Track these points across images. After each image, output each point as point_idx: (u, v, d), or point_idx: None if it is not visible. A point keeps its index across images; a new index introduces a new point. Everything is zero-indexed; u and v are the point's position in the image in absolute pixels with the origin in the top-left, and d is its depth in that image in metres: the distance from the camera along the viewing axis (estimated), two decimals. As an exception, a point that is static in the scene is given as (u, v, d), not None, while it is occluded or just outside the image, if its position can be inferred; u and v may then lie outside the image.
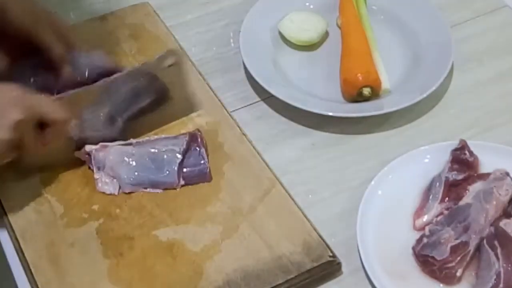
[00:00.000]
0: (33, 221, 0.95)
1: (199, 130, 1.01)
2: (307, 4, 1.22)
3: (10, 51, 0.98)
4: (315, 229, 0.93)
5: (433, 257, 0.88)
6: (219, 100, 1.08)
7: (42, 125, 0.90)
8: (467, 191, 0.94)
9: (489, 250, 0.87)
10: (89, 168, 0.98)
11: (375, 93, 1.08)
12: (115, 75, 0.99)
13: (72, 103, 0.94)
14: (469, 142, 0.99)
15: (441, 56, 1.11)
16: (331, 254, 0.90)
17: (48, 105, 0.90)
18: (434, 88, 1.07)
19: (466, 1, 1.24)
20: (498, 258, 0.86)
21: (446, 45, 1.12)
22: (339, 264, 0.90)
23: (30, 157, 0.93)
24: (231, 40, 1.19)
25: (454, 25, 1.20)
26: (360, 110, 1.06)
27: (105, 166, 0.96)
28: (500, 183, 0.92)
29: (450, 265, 0.87)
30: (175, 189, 0.97)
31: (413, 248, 0.90)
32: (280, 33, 1.18)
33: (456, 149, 0.98)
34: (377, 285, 0.87)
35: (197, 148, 0.99)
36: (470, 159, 0.97)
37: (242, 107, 1.09)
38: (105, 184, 0.97)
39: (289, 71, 1.14)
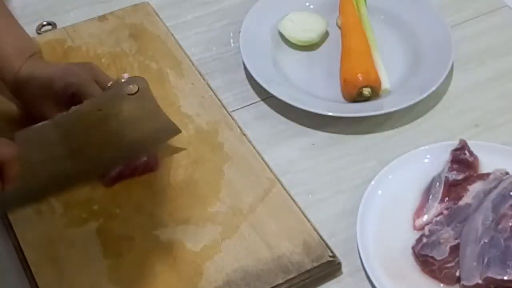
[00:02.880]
0: (33, 221, 0.94)
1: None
2: (307, 4, 1.22)
3: (60, 105, 0.99)
4: (315, 229, 0.93)
5: (432, 257, 0.88)
6: (219, 100, 1.08)
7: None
8: (467, 191, 0.94)
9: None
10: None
11: (375, 93, 1.08)
12: (70, 110, 0.94)
13: (28, 140, 0.92)
14: (469, 142, 0.99)
15: (441, 56, 1.11)
16: (331, 254, 0.90)
17: None
18: (434, 88, 1.07)
19: (466, 1, 1.24)
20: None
21: (446, 45, 1.12)
22: (339, 264, 0.90)
23: None
24: (231, 40, 1.19)
25: (454, 25, 1.20)
26: (360, 110, 1.06)
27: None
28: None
29: (449, 265, 0.88)
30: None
31: (413, 248, 0.90)
32: (280, 33, 1.18)
33: (456, 149, 0.98)
34: (377, 285, 0.87)
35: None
36: (470, 159, 0.97)
37: (242, 107, 1.09)
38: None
39: (289, 71, 1.14)
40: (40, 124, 0.95)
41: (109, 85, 0.99)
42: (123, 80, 0.97)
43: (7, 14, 1.03)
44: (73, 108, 0.95)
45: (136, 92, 0.97)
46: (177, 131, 1.01)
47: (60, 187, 0.97)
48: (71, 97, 0.98)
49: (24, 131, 0.93)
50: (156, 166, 0.99)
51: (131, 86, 0.97)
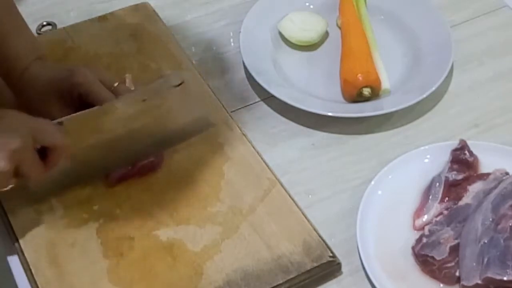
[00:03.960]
0: (33, 221, 0.94)
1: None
2: (307, 4, 1.22)
3: (65, 106, 0.99)
4: (315, 229, 0.93)
5: (432, 257, 0.88)
6: (219, 100, 1.08)
7: (43, 149, 0.89)
8: (467, 191, 0.94)
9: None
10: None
11: (375, 93, 1.08)
12: (118, 98, 0.97)
13: (73, 128, 0.93)
14: (469, 142, 0.99)
15: (441, 56, 1.11)
16: (331, 254, 0.90)
17: (47, 131, 0.89)
18: (434, 88, 1.07)
19: (466, 1, 1.25)
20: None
21: (446, 45, 1.12)
22: (339, 264, 0.90)
23: (34, 183, 0.93)
24: (231, 40, 1.19)
25: (454, 25, 1.20)
26: (360, 110, 1.06)
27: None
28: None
29: (449, 265, 0.88)
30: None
31: (413, 248, 0.90)
32: (280, 33, 1.18)
33: (456, 149, 0.98)
34: (377, 285, 0.88)
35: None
36: (470, 159, 0.97)
37: (242, 107, 1.09)
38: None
39: (289, 71, 1.14)
40: (88, 110, 0.95)
41: (115, 85, 0.99)
42: (168, 73, 1.00)
43: (16, 15, 1.03)
44: (119, 97, 0.97)
45: (180, 84, 0.98)
46: (211, 125, 1.03)
47: (96, 174, 0.98)
48: (77, 98, 0.98)
49: (73, 117, 0.94)
50: (161, 165, 0.99)
51: (176, 78, 0.99)
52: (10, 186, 0.89)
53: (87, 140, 0.96)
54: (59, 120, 0.93)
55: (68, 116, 0.94)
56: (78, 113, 0.95)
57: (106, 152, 0.98)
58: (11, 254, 0.93)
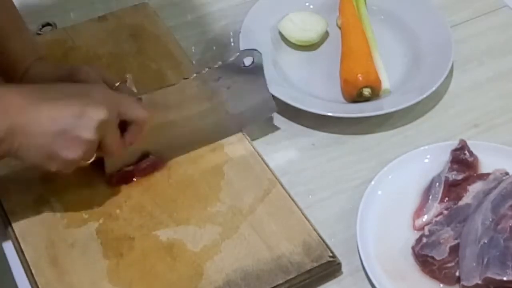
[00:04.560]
0: (33, 221, 0.94)
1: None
2: (307, 4, 1.22)
3: None
4: (315, 229, 0.93)
5: (432, 257, 0.88)
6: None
7: (121, 127, 0.91)
8: (467, 191, 0.94)
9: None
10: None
11: (375, 93, 1.08)
12: (192, 76, 0.98)
13: (153, 103, 0.95)
14: (469, 142, 0.99)
15: (441, 56, 1.11)
16: (331, 254, 0.90)
17: (130, 105, 0.91)
18: (434, 88, 1.07)
19: (466, 1, 1.25)
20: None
21: (446, 45, 1.12)
22: (339, 264, 0.90)
23: (111, 159, 0.95)
24: (231, 40, 1.19)
25: (454, 25, 1.20)
26: (360, 110, 1.06)
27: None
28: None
29: (449, 265, 0.88)
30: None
31: (413, 248, 0.90)
32: (280, 33, 1.18)
33: (456, 149, 0.98)
34: (377, 285, 0.88)
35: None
36: (470, 159, 0.97)
37: (242, 107, 1.09)
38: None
39: (289, 71, 1.14)
40: (164, 88, 0.97)
41: (116, 85, 0.99)
42: (240, 52, 1.00)
43: (17, 17, 1.03)
44: (194, 74, 0.98)
45: (250, 65, 1.00)
46: (274, 109, 1.05)
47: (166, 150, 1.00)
48: None
49: (151, 94, 0.96)
50: (163, 166, 0.99)
51: (248, 57, 0.99)
52: (92, 159, 0.90)
53: (164, 117, 0.97)
54: (138, 96, 0.94)
55: (146, 94, 0.95)
56: (155, 91, 0.96)
57: (178, 131, 0.99)
58: (11, 254, 0.93)
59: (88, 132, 0.86)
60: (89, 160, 0.90)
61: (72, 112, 0.86)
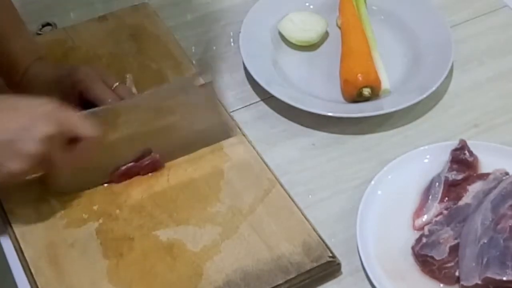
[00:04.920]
0: (33, 221, 0.94)
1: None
2: (307, 4, 1.22)
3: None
4: (314, 230, 0.93)
5: (432, 257, 0.88)
6: (219, 100, 1.08)
7: (72, 142, 0.90)
8: (466, 191, 0.94)
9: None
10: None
11: (375, 93, 1.08)
12: (146, 92, 0.96)
13: (103, 120, 0.93)
14: (469, 142, 0.99)
15: (441, 56, 1.11)
16: (330, 255, 0.90)
17: (79, 122, 0.90)
18: (434, 88, 1.07)
19: (466, 1, 1.25)
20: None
21: (446, 45, 1.12)
22: (339, 264, 0.90)
23: (56, 176, 0.94)
24: (231, 40, 1.19)
25: (454, 25, 1.20)
26: (360, 110, 1.06)
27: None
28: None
29: (449, 265, 0.88)
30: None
31: (413, 248, 0.90)
32: (280, 33, 1.18)
33: (456, 149, 0.98)
34: (377, 285, 0.88)
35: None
36: (470, 159, 0.97)
37: (242, 107, 1.09)
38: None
39: (289, 71, 1.14)
40: (108, 106, 0.95)
41: (115, 85, 0.99)
42: (193, 72, 0.98)
43: (16, 17, 1.03)
44: (144, 93, 0.97)
45: (203, 85, 0.98)
46: (233, 132, 1.01)
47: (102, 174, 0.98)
48: (78, 97, 0.98)
49: (94, 110, 0.94)
50: (163, 165, 0.99)
51: (200, 78, 0.98)
52: (33, 175, 0.89)
53: (106, 137, 0.95)
54: (84, 112, 0.93)
55: (91, 110, 0.94)
56: (99, 108, 0.95)
57: (117, 150, 0.97)
58: (11, 253, 0.93)
59: (32, 145, 0.85)
60: (31, 174, 0.90)
61: (19, 124, 0.85)
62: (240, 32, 1.15)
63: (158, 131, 0.98)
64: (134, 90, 1.04)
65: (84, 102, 0.98)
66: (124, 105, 0.96)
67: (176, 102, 0.98)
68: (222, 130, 1.02)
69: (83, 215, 0.95)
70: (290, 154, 1.04)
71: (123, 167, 0.98)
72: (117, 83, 1.00)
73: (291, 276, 0.89)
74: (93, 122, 0.91)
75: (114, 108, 0.96)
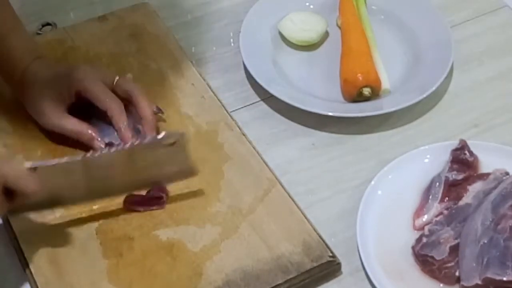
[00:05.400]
0: (33, 221, 0.94)
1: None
2: (307, 4, 1.22)
3: (64, 106, 0.99)
4: (314, 229, 0.93)
5: (432, 257, 0.88)
6: (219, 100, 1.08)
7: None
8: (467, 191, 0.94)
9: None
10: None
11: (375, 93, 1.08)
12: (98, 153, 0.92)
13: (46, 176, 0.89)
14: (469, 142, 0.99)
15: (441, 56, 1.11)
16: (331, 254, 0.90)
17: (20, 177, 0.86)
18: (434, 88, 1.07)
19: (466, 1, 1.24)
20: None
21: (446, 45, 1.12)
22: (339, 264, 0.90)
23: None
24: (231, 40, 1.19)
25: (454, 25, 1.20)
26: (360, 110, 1.06)
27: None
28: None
29: (449, 265, 0.88)
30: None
31: (413, 248, 0.90)
32: (280, 33, 1.18)
33: (456, 149, 0.98)
34: (377, 285, 0.87)
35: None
36: (470, 159, 0.97)
37: (242, 107, 1.09)
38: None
39: (289, 71, 1.14)
40: (67, 161, 0.90)
41: (116, 79, 0.99)
42: (162, 135, 0.93)
43: (14, 16, 1.03)
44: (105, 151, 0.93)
45: (173, 144, 0.94)
46: (194, 174, 0.97)
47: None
48: (75, 96, 0.98)
49: (48, 166, 0.90)
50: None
51: (169, 140, 0.93)
52: None
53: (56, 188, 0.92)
54: (33, 165, 0.88)
55: (43, 163, 0.89)
56: (54, 161, 0.90)
57: (81, 193, 0.94)
58: (11, 254, 0.93)
59: None
60: None
61: None
62: (240, 32, 1.15)
63: (121, 180, 0.95)
64: None
65: (83, 102, 0.98)
66: (76, 161, 0.91)
67: (144, 159, 0.94)
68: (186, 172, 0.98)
69: (83, 215, 0.95)
70: (290, 154, 1.04)
71: (133, 198, 0.96)
72: (118, 78, 0.99)
73: (291, 276, 0.89)
74: (39, 175, 0.87)
75: (67, 164, 0.90)
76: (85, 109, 1.00)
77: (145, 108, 0.99)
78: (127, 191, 0.95)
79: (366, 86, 1.07)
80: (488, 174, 0.95)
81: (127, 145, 0.93)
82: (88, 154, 0.91)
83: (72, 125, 0.98)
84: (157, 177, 0.96)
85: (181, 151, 0.94)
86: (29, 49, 1.02)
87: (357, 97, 1.08)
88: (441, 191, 0.95)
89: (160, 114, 1.04)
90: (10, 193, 0.86)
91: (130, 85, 1.00)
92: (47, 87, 0.99)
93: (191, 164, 0.96)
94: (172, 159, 0.95)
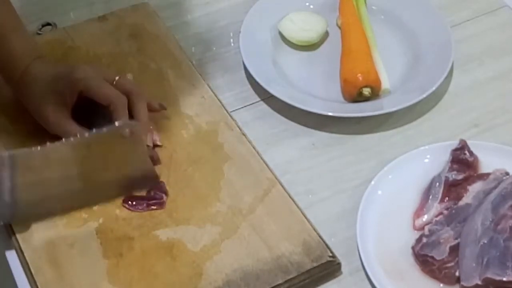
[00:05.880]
0: (33, 221, 0.94)
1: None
2: (307, 4, 1.22)
3: (64, 105, 0.99)
4: (315, 229, 0.93)
5: (432, 257, 0.88)
6: (219, 100, 1.08)
7: None
8: (467, 191, 0.94)
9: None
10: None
11: (375, 93, 1.08)
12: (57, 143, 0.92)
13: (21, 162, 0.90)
14: (469, 142, 0.99)
15: (441, 56, 1.11)
16: (331, 254, 0.90)
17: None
18: (434, 88, 1.07)
19: (466, 1, 1.24)
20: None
21: (446, 45, 1.12)
22: (339, 264, 0.90)
23: None
24: (231, 40, 1.19)
25: (454, 25, 1.20)
26: (360, 110, 1.06)
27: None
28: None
29: (449, 265, 0.88)
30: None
31: (413, 248, 0.90)
32: (280, 33, 1.18)
33: (456, 149, 0.98)
34: (377, 285, 0.87)
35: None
36: (470, 159, 0.97)
37: (242, 107, 1.09)
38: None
39: (289, 71, 1.14)
40: (29, 149, 0.91)
41: (116, 79, 0.99)
42: (117, 124, 0.93)
43: (15, 16, 1.03)
44: (67, 139, 0.92)
45: (129, 136, 0.93)
46: (156, 181, 0.97)
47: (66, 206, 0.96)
48: (77, 96, 0.98)
49: (41, 149, 0.91)
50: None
51: (125, 129, 0.93)
52: None
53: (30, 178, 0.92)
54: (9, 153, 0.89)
55: (16, 151, 0.90)
56: (26, 149, 0.90)
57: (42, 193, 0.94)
58: (11, 254, 0.93)
59: None
60: None
61: None
62: (240, 32, 1.15)
63: (79, 177, 0.95)
64: None
65: (82, 103, 0.98)
66: (41, 150, 0.91)
67: (99, 149, 0.94)
68: (146, 179, 0.98)
69: (83, 215, 0.95)
70: (290, 154, 1.04)
71: (132, 197, 0.96)
72: (118, 77, 0.99)
73: (291, 276, 0.89)
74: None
75: (31, 152, 0.90)
76: (86, 112, 1.00)
77: (141, 110, 0.98)
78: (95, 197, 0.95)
79: (366, 86, 1.07)
80: (488, 174, 0.95)
81: (86, 134, 0.92)
82: (48, 143, 0.91)
83: (76, 131, 0.97)
84: (121, 181, 0.96)
85: (138, 147, 0.95)
86: (29, 49, 1.02)
87: (357, 97, 1.08)
88: (441, 191, 0.95)
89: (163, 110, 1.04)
90: None
91: (130, 85, 1.00)
92: (49, 90, 0.98)
93: (151, 166, 0.96)
94: (131, 158, 0.95)
